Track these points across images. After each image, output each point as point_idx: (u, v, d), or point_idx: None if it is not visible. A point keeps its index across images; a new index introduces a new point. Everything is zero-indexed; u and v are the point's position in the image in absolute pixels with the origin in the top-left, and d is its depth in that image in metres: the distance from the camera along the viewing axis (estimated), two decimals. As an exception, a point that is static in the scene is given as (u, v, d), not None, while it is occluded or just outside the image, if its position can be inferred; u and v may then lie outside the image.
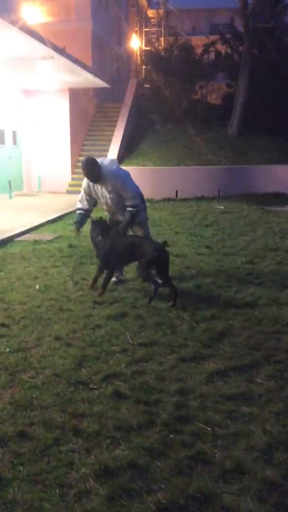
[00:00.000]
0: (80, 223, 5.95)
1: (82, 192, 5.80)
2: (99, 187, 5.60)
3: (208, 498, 2.39)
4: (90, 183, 5.64)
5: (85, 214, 5.89)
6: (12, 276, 6.25)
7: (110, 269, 5.58)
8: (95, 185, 5.61)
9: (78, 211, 5.92)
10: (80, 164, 16.79)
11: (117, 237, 5.56)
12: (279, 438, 2.87)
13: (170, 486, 2.47)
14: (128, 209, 5.60)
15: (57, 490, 2.47)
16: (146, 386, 3.47)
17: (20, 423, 3.04)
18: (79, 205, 5.90)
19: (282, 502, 2.37)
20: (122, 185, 5.53)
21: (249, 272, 6.44)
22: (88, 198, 5.79)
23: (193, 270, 6.52)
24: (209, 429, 2.95)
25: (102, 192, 5.62)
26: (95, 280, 5.72)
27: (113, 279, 5.91)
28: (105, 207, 5.88)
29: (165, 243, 5.31)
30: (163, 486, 2.49)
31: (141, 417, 3.08)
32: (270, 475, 2.54)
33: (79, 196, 5.88)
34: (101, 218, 5.76)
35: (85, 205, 5.84)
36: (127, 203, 5.59)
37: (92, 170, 5.44)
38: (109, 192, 5.58)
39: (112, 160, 5.75)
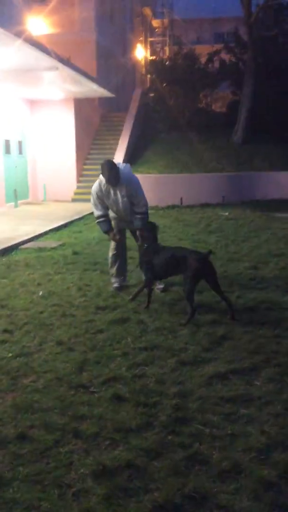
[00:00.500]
0: (110, 228, 5.85)
1: (95, 198, 5.70)
2: (112, 191, 5.59)
3: (204, 497, 2.42)
4: (103, 187, 5.60)
5: (108, 220, 5.80)
6: (15, 283, 6.32)
7: (149, 280, 5.39)
8: (109, 189, 5.57)
9: (101, 219, 5.79)
10: (87, 170, 16.65)
11: (157, 248, 5.37)
12: (277, 439, 2.89)
13: (167, 486, 2.50)
14: (138, 216, 5.66)
15: (55, 490, 2.51)
16: (146, 389, 3.50)
17: (21, 425, 3.08)
18: (98, 213, 5.78)
19: (278, 500, 2.39)
20: (135, 190, 5.62)
21: (252, 278, 6.47)
22: (102, 202, 5.72)
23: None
24: (207, 430, 2.98)
25: (116, 196, 5.60)
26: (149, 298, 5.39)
27: (116, 285, 5.97)
28: (114, 213, 5.82)
29: (210, 253, 5.01)
30: (160, 485, 2.51)
31: (140, 419, 3.11)
32: (266, 474, 2.56)
33: (92, 204, 5.79)
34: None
35: (100, 209, 5.74)
36: (138, 210, 5.65)
37: (115, 173, 5.46)
38: (123, 196, 5.59)
39: (126, 165, 5.83)
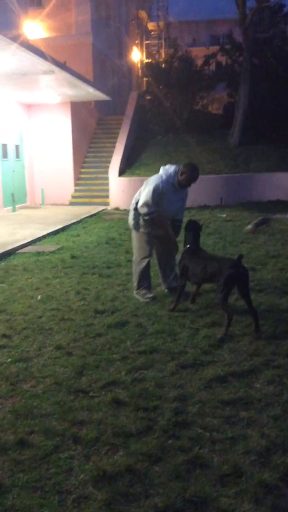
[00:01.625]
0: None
1: (157, 194, 5.33)
2: (173, 193, 5.45)
3: (205, 501, 2.41)
4: (171, 187, 5.40)
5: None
6: (14, 288, 6.30)
7: (181, 283, 5.30)
8: (173, 189, 5.43)
9: (155, 214, 5.41)
10: (84, 173, 16.58)
11: (196, 251, 5.26)
12: (277, 441, 2.88)
13: (168, 491, 2.49)
14: (178, 223, 5.75)
15: (56, 496, 2.50)
16: (145, 393, 3.49)
17: (21, 431, 3.07)
18: (154, 208, 5.37)
19: (279, 504, 2.39)
20: (187, 196, 5.72)
21: (250, 279, 6.44)
22: (158, 201, 5.39)
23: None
24: (207, 434, 2.97)
25: (174, 198, 5.48)
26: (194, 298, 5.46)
27: (151, 295, 5.69)
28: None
29: (241, 258, 4.72)
30: (160, 490, 2.51)
31: (140, 423, 3.10)
32: (267, 477, 2.56)
33: (151, 199, 5.32)
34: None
35: (156, 206, 5.39)
36: (179, 217, 5.73)
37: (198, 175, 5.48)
38: (181, 199, 5.62)
39: None
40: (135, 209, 5.62)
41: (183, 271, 5.26)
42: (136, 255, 5.81)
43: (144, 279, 5.74)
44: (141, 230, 5.66)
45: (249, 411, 3.24)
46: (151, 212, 5.40)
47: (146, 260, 5.72)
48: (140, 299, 5.67)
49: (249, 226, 10.39)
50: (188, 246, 5.31)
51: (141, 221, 5.60)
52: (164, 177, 5.43)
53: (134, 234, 5.80)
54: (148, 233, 5.65)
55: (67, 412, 3.27)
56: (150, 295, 5.67)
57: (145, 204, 5.38)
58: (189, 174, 5.38)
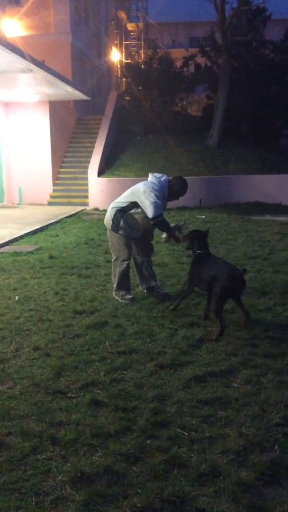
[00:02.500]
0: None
1: (161, 203, 5.42)
2: (162, 202, 5.48)
3: (183, 501, 2.42)
4: (162, 196, 5.43)
5: None
6: (-9, 288, 6.23)
7: (187, 290, 5.21)
8: (163, 199, 5.46)
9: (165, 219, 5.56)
10: (63, 173, 16.46)
11: (204, 256, 5.12)
12: (254, 440, 2.91)
13: (146, 490, 2.49)
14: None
15: (33, 498, 2.48)
16: (124, 393, 3.49)
17: (-3, 433, 3.04)
18: (162, 211, 5.44)
19: (256, 502, 2.41)
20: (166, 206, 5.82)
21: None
22: None
23: (174, 279, 6.57)
24: (186, 433, 2.99)
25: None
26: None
27: (129, 296, 5.70)
28: (146, 224, 5.66)
29: (244, 272, 4.72)
30: (139, 490, 2.51)
31: (119, 423, 3.10)
32: (244, 476, 2.58)
33: (160, 204, 5.37)
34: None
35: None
36: None
37: None
38: (164, 208, 5.67)
39: None
40: (120, 210, 5.59)
41: (192, 277, 5.16)
42: (115, 256, 5.80)
43: (124, 281, 5.73)
44: (120, 232, 5.63)
45: (227, 411, 3.26)
46: (161, 214, 5.39)
47: (126, 263, 5.69)
48: (119, 299, 5.66)
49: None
50: (198, 251, 5.18)
51: (121, 224, 5.58)
52: (158, 184, 5.45)
53: (111, 235, 5.75)
54: (126, 235, 5.63)
55: (45, 413, 3.25)
56: (129, 297, 5.67)
57: (157, 207, 5.31)
58: (180, 188, 5.49)
